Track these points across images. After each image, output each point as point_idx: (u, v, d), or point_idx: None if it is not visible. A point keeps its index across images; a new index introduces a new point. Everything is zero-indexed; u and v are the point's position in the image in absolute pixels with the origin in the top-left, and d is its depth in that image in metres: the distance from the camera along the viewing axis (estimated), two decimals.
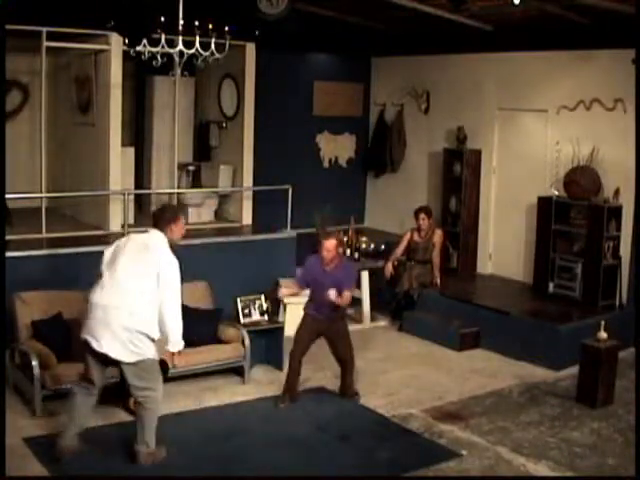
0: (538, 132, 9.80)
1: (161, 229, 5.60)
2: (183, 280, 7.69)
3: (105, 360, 5.48)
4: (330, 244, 6.82)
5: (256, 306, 8.27)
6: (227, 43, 7.10)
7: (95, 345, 5.41)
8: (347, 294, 6.78)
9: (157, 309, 5.45)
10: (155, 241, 5.55)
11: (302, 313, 7.10)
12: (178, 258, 5.56)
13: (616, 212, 8.88)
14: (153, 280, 5.39)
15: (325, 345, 7.20)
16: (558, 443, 6.31)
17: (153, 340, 5.49)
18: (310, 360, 7.99)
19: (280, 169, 10.36)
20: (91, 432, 6.06)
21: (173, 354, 5.75)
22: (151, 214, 5.94)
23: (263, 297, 8.24)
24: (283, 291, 7.41)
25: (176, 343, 5.59)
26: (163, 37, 6.85)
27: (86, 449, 5.63)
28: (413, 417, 6.77)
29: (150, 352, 5.49)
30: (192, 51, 6.99)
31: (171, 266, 5.48)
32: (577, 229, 9.16)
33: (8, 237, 6.15)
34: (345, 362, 7.18)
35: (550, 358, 8.06)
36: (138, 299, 5.38)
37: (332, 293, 6.67)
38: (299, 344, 6.96)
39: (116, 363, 5.50)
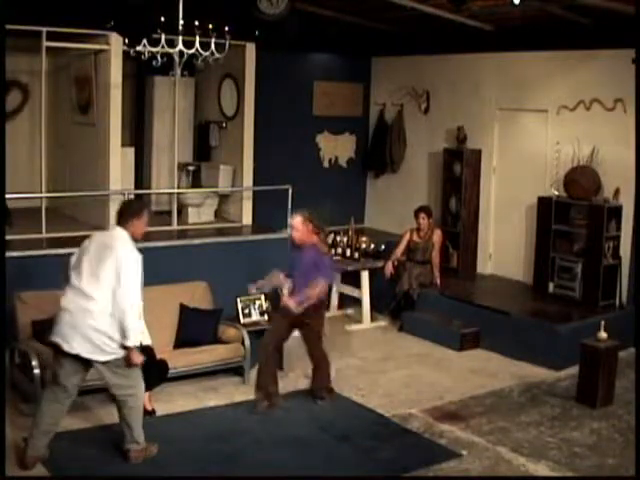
0: (538, 132, 9.79)
1: (123, 224, 5.51)
2: (182, 280, 7.81)
3: (79, 362, 5.42)
4: (295, 222, 6.68)
5: (256, 306, 8.28)
6: (227, 43, 7.10)
7: (66, 347, 5.37)
8: (311, 290, 6.52)
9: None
10: (115, 238, 5.46)
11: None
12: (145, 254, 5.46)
13: (616, 212, 8.87)
14: (115, 278, 5.31)
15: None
16: (558, 443, 6.31)
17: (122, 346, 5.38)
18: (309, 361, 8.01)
19: (280, 169, 10.36)
20: (92, 432, 6.08)
21: (131, 350, 5.43)
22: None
23: (263, 297, 8.25)
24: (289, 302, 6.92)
25: (133, 339, 5.39)
26: (163, 37, 6.85)
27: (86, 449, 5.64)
28: (413, 417, 6.77)
29: (121, 350, 5.42)
30: (192, 51, 6.99)
31: (130, 261, 5.36)
32: (577, 229, 9.15)
33: (8, 237, 6.14)
34: (315, 359, 6.99)
35: (550, 358, 8.06)
36: (103, 300, 5.31)
37: (290, 302, 6.53)
38: (271, 333, 6.82)
39: (89, 364, 5.44)
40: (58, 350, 5.44)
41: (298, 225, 6.67)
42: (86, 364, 5.46)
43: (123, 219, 5.55)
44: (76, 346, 5.35)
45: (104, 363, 5.42)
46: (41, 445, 5.50)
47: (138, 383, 5.63)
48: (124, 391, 5.55)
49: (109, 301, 5.32)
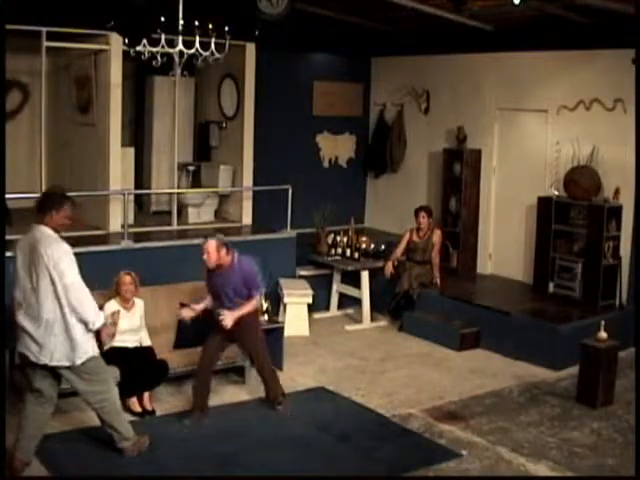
0: (538, 132, 9.79)
1: (41, 218, 5.35)
2: (182, 280, 7.80)
3: (47, 369, 5.40)
4: (209, 248, 6.35)
5: None
6: (227, 43, 7.10)
7: (32, 358, 5.38)
8: (249, 307, 6.44)
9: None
10: (36, 239, 5.30)
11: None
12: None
13: (616, 212, 8.87)
14: (51, 280, 5.22)
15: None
16: (558, 443, 6.31)
17: (90, 331, 5.36)
18: (309, 361, 8.03)
19: (280, 169, 10.36)
20: (90, 432, 6.08)
21: (99, 332, 5.43)
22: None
23: (263, 297, 8.23)
24: (183, 313, 6.73)
25: (94, 323, 5.34)
26: (163, 37, 6.85)
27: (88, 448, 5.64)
28: (413, 417, 6.77)
29: (88, 350, 5.39)
30: (192, 51, 6.99)
31: (60, 256, 5.23)
32: (577, 229, 9.15)
33: (8, 237, 6.12)
34: (258, 368, 6.76)
35: (550, 358, 8.06)
36: (50, 308, 5.26)
37: (226, 319, 6.31)
38: (205, 354, 6.59)
39: (57, 372, 5.42)
40: (26, 359, 5.45)
41: (212, 252, 6.35)
42: (54, 370, 5.44)
43: (41, 212, 5.37)
44: (41, 358, 5.35)
45: (71, 369, 5.39)
46: (29, 449, 5.48)
47: (109, 387, 5.63)
48: (97, 397, 5.55)
49: (56, 306, 5.26)
